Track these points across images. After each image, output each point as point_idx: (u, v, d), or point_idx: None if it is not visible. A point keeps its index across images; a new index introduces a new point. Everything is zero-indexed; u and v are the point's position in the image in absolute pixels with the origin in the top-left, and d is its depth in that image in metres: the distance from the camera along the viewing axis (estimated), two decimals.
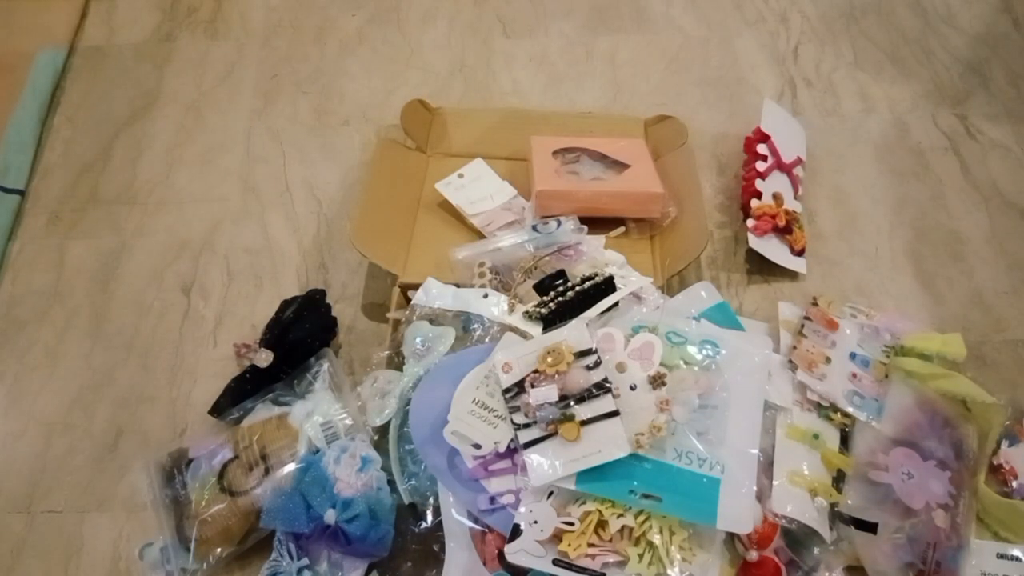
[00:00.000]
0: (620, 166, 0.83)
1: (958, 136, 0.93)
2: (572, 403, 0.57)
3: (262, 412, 0.67)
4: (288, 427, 0.65)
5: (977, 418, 0.66)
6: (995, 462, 0.66)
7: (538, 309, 0.65)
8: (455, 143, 0.89)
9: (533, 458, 0.55)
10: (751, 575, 0.57)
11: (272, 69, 1.02)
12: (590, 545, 0.53)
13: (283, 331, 0.71)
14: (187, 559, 0.60)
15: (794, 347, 0.68)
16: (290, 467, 0.62)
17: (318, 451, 0.63)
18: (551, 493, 0.55)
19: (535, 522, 0.54)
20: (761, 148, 0.85)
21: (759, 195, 0.82)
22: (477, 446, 0.58)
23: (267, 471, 0.62)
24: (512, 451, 0.57)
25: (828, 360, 0.67)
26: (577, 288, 0.66)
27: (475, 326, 0.66)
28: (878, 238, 0.85)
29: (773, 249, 0.80)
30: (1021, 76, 0.99)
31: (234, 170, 0.92)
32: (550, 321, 0.64)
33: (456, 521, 0.57)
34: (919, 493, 0.60)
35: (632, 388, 0.59)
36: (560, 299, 0.65)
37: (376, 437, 0.64)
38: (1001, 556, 0.61)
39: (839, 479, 0.62)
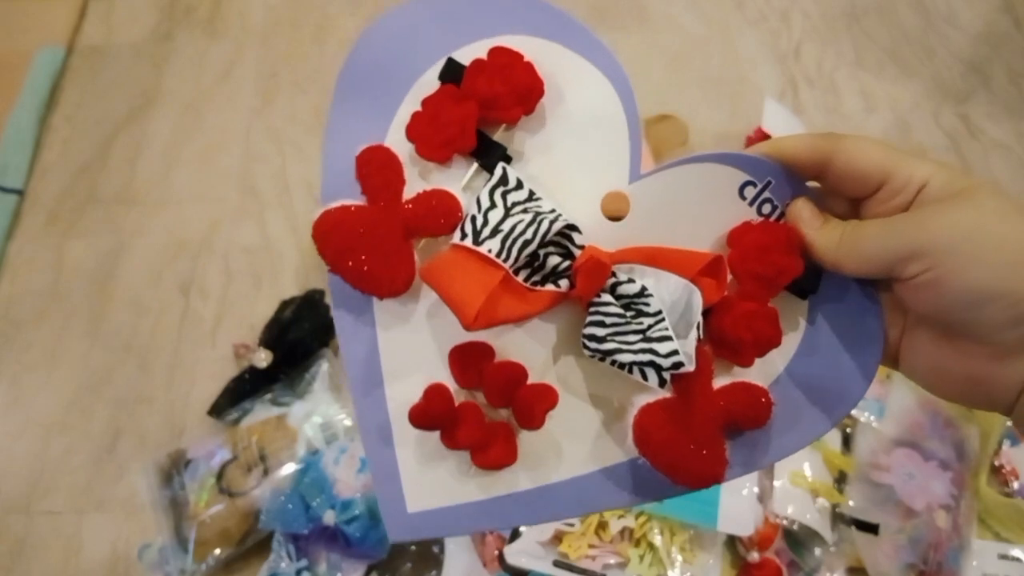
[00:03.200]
0: None
1: (960, 135, 0.93)
2: None
3: (261, 413, 0.67)
4: (287, 428, 0.65)
5: (978, 419, 0.66)
6: (996, 463, 0.66)
7: None
8: None
9: None
10: None
11: (271, 68, 1.02)
12: (590, 546, 0.53)
13: (282, 331, 0.71)
14: (186, 560, 0.60)
15: None
16: (289, 468, 0.62)
17: (317, 452, 0.63)
18: None
19: None
20: None
21: None
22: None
23: (266, 472, 0.62)
24: None
25: None
26: None
27: None
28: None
29: None
30: (1022, 75, 0.99)
31: (233, 170, 0.92)
32: None
33: None
34: (921, 494, 0.59)
35: None
36: None
37: None
38: (1002, 557, 0.61)
39: (841, 480, 0.62)
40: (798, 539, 0.60)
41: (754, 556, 0.57)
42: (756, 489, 0.57)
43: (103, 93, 1.00)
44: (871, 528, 0.58)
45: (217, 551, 0.61)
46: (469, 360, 0.30)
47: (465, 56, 0.30)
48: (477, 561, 0.56)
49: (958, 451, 0.63)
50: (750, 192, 0.30)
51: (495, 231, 0.28)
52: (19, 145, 0.92)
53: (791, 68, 1.00)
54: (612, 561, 0.53)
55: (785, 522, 0.58)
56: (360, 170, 0.29)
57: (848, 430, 0.64)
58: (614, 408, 0.30)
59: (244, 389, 0.69)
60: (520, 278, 0.28)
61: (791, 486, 0.59)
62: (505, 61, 0.29)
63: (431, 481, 0.30)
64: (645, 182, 0.30)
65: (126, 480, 0.69)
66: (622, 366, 0.28)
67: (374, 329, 0.30)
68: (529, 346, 0.30)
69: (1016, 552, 0.61)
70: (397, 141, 0.30)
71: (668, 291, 0.28)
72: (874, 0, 1.08)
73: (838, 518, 0.60)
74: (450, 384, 0.30)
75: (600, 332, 0.28)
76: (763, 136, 0.86)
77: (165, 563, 0.61)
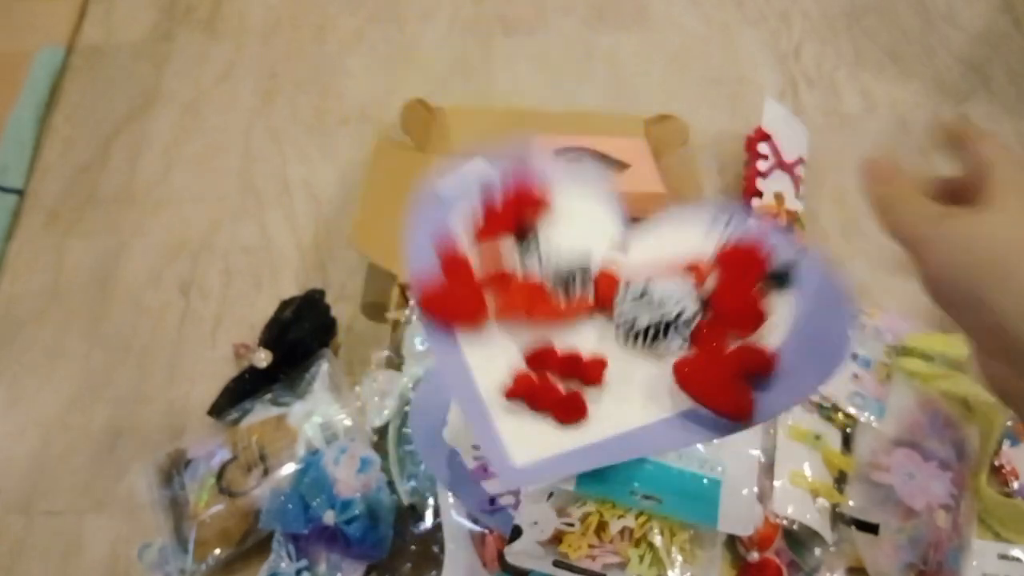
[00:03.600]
0: (621, 166, 0.82)
1: None
2: None
3: (261, 413, 0.66)
4: (287, 428, 0.64)
5: (979, 418, 0.66)
6: (996, 463, 0.66)
7: None
8: (455, 143, 0.89)
9: None
10: None
11: (271, 68, 1.02)
12: (590, 546, 0.53)
13: (282, 331, 0.71)
14: (185, 560, 0.60)
15: None
16: (289, 468, 0.62)
17: (317, 452, 0.63)
18: (551, 494, 0.55)
19: (535, 523, 0.53)
20: (762, 147, 0.85)
21: (760, 195, 0.82)
22: (478, 447, 0.58)
23: (266, 472, 0.62)
24: None
25: None
26: None
27: None
28: (880, 238, 0.84)
29: None
30: (1022, 75, 0.99)
31: (233, 170, 0.92)
32: None
33: (456, 523, 0.57)
34: (920, 494, 0.59)
35: None
36: None
37: (376, 438, 0.64)
38: (1002, 557, 0.61)
39: (841, 480, 0.62)
40: (798, 539, 0.60)
41: (754, 556, 0.57)
42: (756, 489, 0.57)
43: (103, 93, 1.00)
44: (871, 528, 0.58)
45: (217, 551, 0.61)
46: (540, 354, 0.41)
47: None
48: (477, 561, 0.56)
49: (958, 451, 0.63)
50: (718, 223, 0.42)
51: (541, 262, 0.42)
52: (19, 145, 0.92)
53: (791, 68, 1.00)
54: (612, 561, 0.53)
55: (785, 522, 0.58)
56: (442, 255, 0.43)
57: (848, 430, 0.64)
58: (654, 376, 0.40)
59: (244, 389, 0.69)
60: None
61: (791, 486, 0.59)
62: (523, 181, 0.45)
63: (528, 440, 0.39)
64: (637, 229, 0.44)
65: (126, 480, 0.69)
66: (647, 335, 0.40)
67: (461, 351, 0.41)
68: (584, 344, 0.41)
69: (1016, 552, 0.61)
70: (459, 234, 0.44)
71: (666, 285, 0.40)
72: (874, 0, 1.08)
73: (838, 518, 0.60)
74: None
75: (624, 312, 0.41)
76: (763, 136, 0.86)
77: (165, 563, 0.61)
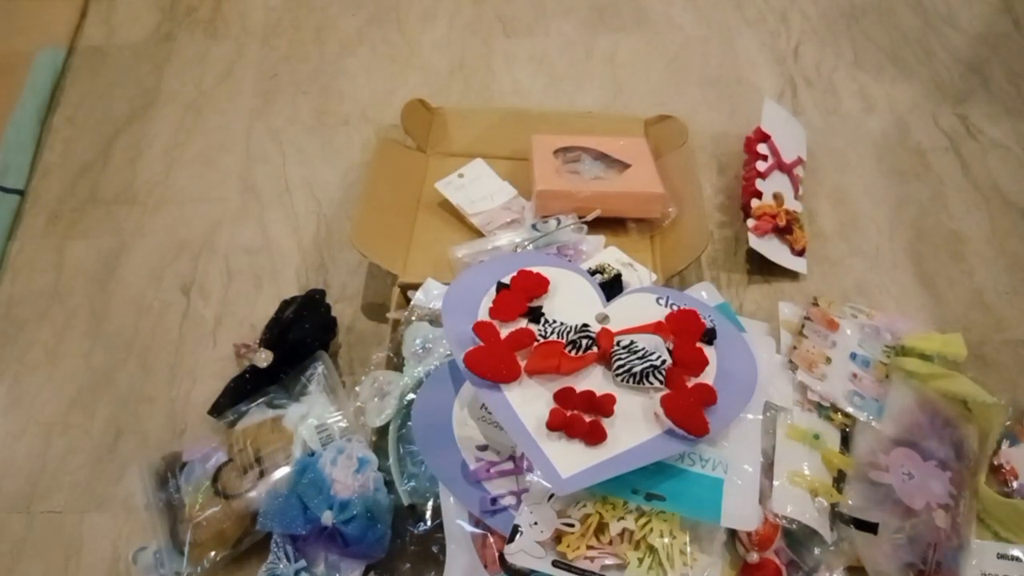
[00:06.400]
0: (621, 165, 0.83)
1: (958, 136, 0.93)
2: None
3: (256, 415, 0.66)
4: (282, 430, 0.64)
5: (978, 418, 0.66)
6: (995, 462, 0.66)
7: None
8: (455, 143, 0.89)
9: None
10: None
11: (272, 69, 1.02)
12: (589, 547, 0.53)
13: (283, 331, 0.71)
14: (181, 563, 0.60)
15: (794, 347, 0.67)
16: (285, 469, 0.62)
17: (313, 453, 0.63)
18: (552, 495, 0.55)
19: (535, 523, 0.53)
20: (761, 148, 0.85)
21: (759, 195, 0.82)
22: (483, 447, 0.58)
23: (262, 474, 0.62)
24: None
25: (828, 360, 0.67)
26: None
27: None
28: (878, 238, 0.84)
29: (773, 249, 0.80)
30: (1021, 76, 0.99)
31: (234, 170, 0.92)
32: None
33: (457, 524, 0.57)
34: (919, 493, 0.59)
35: None
36: None
37: (375, 438, 0.64)
38: (1001, 556, 0.61)
39: (840, 479, 0.62)
40: (797, 538, 0.60)
41: (753, 556, 0.57)
42: (757, 488, 0.57)
43: (104, 93, 1.00)
44: (870, 527, 0.58)
45: (212, 553, 0.61)
46: (565, 394, 0.55)
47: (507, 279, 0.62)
48: (478, 562, 0.56)
49: (957, 450, 0.63)
50: (661, 302, 0.62)
51: (552, 331, 0.58)
52: (20, 145, 0.93)
53: (790, 69, 1.01)
54: (611, 562, 0.53)
55: (784, 522, 0.58)
56: (478, 332, 0.58)
57: (847, 429, 0.64)
58: (646, 406, 0.56)
59: (245, 389, 0.69)
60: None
61: (790, 485, 0.59)
62: (527, 273, 0.62)
63: (568, 458, 0.52)
64: (611, 305, 0.62)
65: (127, 480, 0.69)
66: (636, 377, 0.56)
67: (506, 397, 0.55)
68: (591, 385, 0.56)
69: (1015, 552, 0.61)
70: (484, 314, 0.60)
71: (646, 340, 0.58)
72: (873, 1, 1.08)
73: (837, 517, 0.60)
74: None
75: (620, 361, 0.57)
76: (762, 136, 0.86)
77: (160, 566, 0.61)
